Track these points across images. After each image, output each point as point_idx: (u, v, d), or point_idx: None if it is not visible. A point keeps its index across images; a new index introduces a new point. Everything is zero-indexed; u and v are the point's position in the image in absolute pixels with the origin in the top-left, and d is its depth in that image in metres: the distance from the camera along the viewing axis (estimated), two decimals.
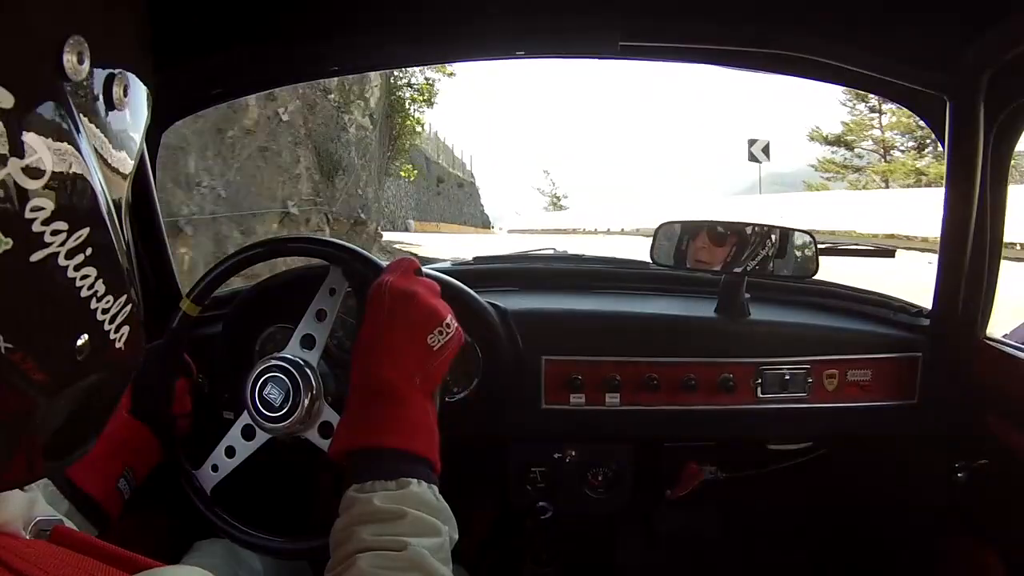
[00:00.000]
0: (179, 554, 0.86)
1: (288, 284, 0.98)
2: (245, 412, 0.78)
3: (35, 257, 0.31)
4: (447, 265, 1.31)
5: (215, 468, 0.81)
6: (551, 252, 1.63)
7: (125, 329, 0.38)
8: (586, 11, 0.76)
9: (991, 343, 0.96)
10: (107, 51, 0.35)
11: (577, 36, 0.78)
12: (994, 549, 0.94)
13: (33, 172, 0.30)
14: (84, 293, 0.34)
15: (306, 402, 0.75)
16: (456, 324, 0.64)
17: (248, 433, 0.79)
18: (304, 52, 0.80)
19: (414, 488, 0.54)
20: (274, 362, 0.77)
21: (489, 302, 0.99)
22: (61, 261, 0.32)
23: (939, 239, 0.94)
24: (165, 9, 0.75)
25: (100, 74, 0.35)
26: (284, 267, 1.00)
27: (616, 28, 0.76)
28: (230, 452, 0.80)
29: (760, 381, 1.02)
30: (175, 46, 0.79)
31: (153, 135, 1.02)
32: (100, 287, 0.35)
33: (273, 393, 0.76)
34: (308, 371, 0.76)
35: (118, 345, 0.37)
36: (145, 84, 0.40)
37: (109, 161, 0.36)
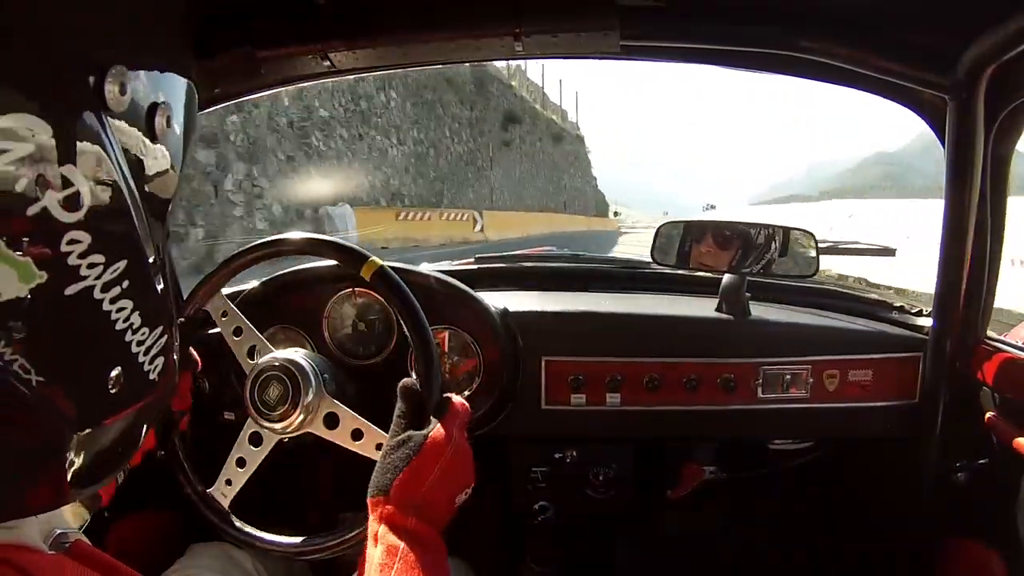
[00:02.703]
0: (175, 555, 0.86)
1: (289, 285, 0.98)
2: (248, 419, 0.78)
3: (70, 291, 0.30)
4: (447, 265, 1.30)
5: (228, 482, 0.79)
6: (551, 252, 1.63)
7: (160, 360, 0.37)
8: (586, 11, 0.76)
9: (991, 343, 0.96)
10: (151, 82, 0.34)
11: (577, 36, 0.78)
12: (994, 549, 0.94)
13: (71, 205, 0.29)
14: (119, 326, 0.33)
15: (307, 400, 0.75)
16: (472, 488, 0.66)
17: (255, 439, 0.78)
18: (303, 54, 0.80)
19: None
20: (273, 362, 0.77)
21: (489, 302, 0.99)
22: (97, 295, 0.31)
23: (940, 239, 0.94)
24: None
25: (142, 104, 0.34)
26: (282, 267, 1.00)
27: (616, 28, 0.76)
28: (241, 463, 0.79)
29: (761, 381, 1.02)
30: None
31: None
32: (136, 319, 0.34)
33: (273, 393, 0.76)
34: (308, 370, 0.76)
35: (152, 376, 0.37)
36: (189, 113, 0.39)
37: (150, 192, 0.36)
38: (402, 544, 0.57)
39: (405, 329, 0.75)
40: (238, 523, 0.79)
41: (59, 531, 0.40)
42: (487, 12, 0.76)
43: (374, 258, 0.77)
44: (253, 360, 0.79)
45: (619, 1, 0.75)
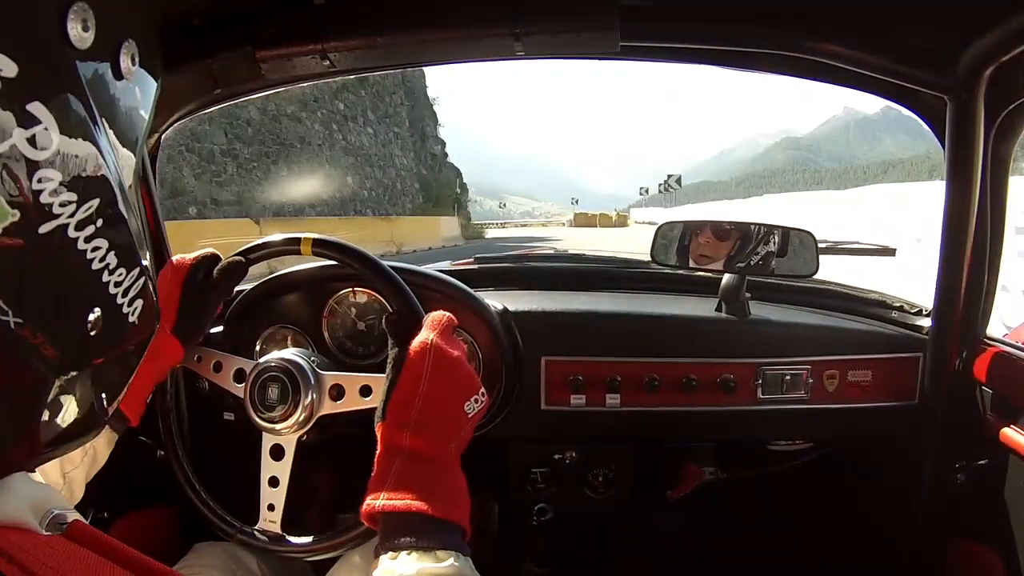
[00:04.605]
0: (175, 552, 0.86)
1: (289, 285, 0.98)
2: (263, 434, 0.77)
3: (44, 229, 0.30)
4: (447, 265, 1.31)
5: (272, 507, 0.78)
6: (551, 252, 1.62)
7: (139, 303, 0.37)
8: (586, 11, 0.76)
9: (991, 343, 0.96)
10: (113, 19, 0.34)
11: (577, 36, 0.78)
12: (994, 549, 0.94)
13: (39, 142, 0.29)
14: (96, 266, 0.33)
15: (306, 401, 0.75)
16: (485, 393, 0.65)
17: (276, 453, 0.77)
18: (303, 54, 0.80)
19: (453, 563, 0.52)
20: (272, 363, 0.77)
21: (489, 302, 0.99)
22: (71, 233, 0.31)
23: (940, 239, 0.94)
24: (166, 10, 0.75)
25: (107, 43, 0.34)
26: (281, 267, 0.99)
27: (616, 28, 0.76)
28: (274, 482, 0.78)
29: (760, 381, 1.02)
30: (176, 46, 0.79)
31: (154, 136, 1.02)
32: (112, 259, 0.34)
33: (272, 393, 0.76)
34: (307, 369, 0.76)
35: (131, 319, 0.36)
36: (153, 53, 0.38)
37: (118, 131, 0.36)
38: (396, 463, 0.57)
39: (362, 278, 0.77)
40: (294, 539, 0.77)
41: (56, 511, 0.38)
42: (487, 12, 0.76)
43: (305, 234, 0.79)
44: (242, 382, 0.79)
45: (619, 1, 0.75)
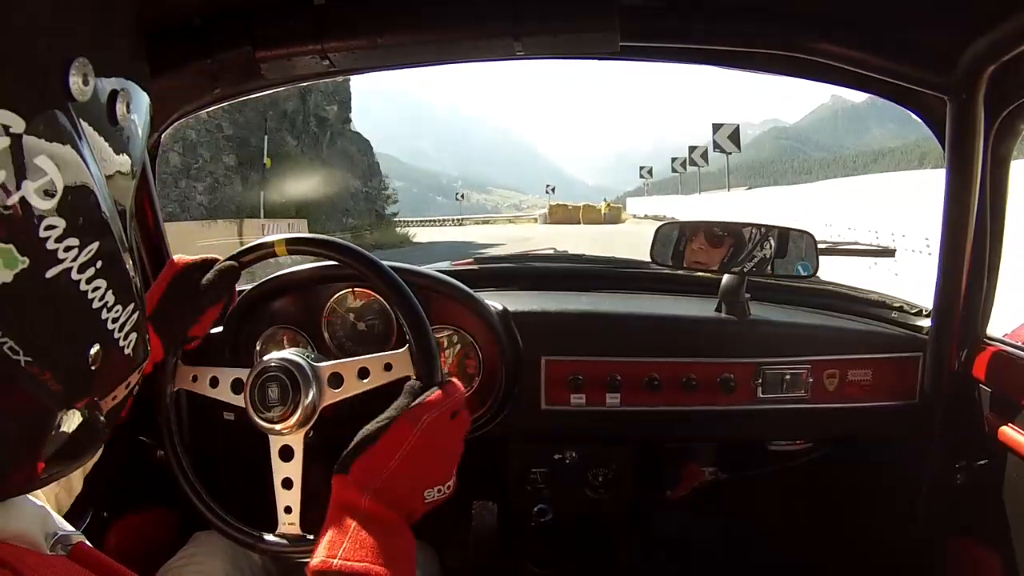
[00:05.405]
0: (178, 546, 0.86)
1: (288, 285, 0.98)
2: (270, 437, 0.77)
3: (50, 273, 0.32)
4: (447, 266, 1.31)
5: (288, 510, 0.77)
6: (551, 252, 1.63)
7: (133, 336, 0.39)
8: (586, 11, 0.76)
9: (991, 343, 0.96)
10: (108, 69, 0.36)
11: (577, 36, 0.78)
12: (994, 549, 0.94)
13: (46, 193, 0.31)
14: (95, 304, 0.35)
15: (307, 398, 0.75)
16: (454, 482, 0.64)
17: (285, 454, 0.77)
18: (303, 54, 0.80)
19: None
20: (271, 363, 0.77)
21: (489, 303, 0.99)
22: (74, 275, 0.34)
23: (939, 239, 0.94)
24: (167, 10, 0.75)
25: (104, 92, 0.36)
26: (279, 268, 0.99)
27: (616, 28, 0.76)
28: (287, 484, 0.77)
29: (760, 381, 1.02)
30: (176, 46, 0.79)
31: (153, 135, 1.02)
32: (110, 297, 0.36)
33: (272, 394, 0.76)
34: (307, 370, 0.76)
35: (127, 352, 0.39)
36: (144, 93, 0.41)
37: (114, 174, 0.38)
38: (353, 523, 0.56)
39: (360, 278, 0.78)
40: (312, 537, 0.76)
41: (61, 533, 0.40)
42: (487, 12, 0.76)
43: (279, 236, 0.80)
44: (240, 392, 0.78)
45: (619, 1, 0.75)
